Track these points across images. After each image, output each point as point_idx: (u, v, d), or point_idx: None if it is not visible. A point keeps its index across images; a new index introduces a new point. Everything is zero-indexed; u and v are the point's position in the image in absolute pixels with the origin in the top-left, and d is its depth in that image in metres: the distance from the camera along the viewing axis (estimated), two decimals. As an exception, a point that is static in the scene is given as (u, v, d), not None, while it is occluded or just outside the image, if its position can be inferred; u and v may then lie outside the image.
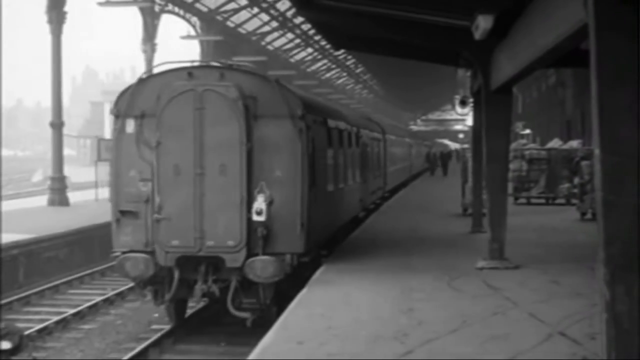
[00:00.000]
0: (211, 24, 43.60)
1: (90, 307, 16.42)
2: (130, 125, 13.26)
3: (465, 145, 45.15)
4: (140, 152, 13.12)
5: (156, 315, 16.09)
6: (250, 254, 12.75)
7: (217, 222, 12.84)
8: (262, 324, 11.60)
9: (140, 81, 13.70)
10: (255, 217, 12.71)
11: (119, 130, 13.32)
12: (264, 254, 12.72)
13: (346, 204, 19.38)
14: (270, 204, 12.85)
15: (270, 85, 13.45)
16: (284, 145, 13.18)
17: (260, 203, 12.78)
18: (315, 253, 14.81)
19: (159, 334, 13.80)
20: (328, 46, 51.06)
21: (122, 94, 13.53)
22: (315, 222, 13.99)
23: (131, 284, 16.17)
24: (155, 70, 14.60)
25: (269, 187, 12.95)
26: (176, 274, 12.92)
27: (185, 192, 12.87)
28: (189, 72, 13.43)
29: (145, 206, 13.04)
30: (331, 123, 16.83)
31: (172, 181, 12.91)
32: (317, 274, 13.70)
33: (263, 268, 12.63)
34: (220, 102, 12.91)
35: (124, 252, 13.02)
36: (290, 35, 54.06)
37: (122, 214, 13.14)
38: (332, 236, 16.99)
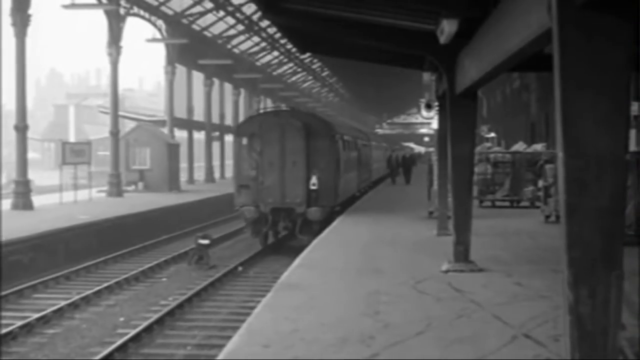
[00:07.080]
0: (177, 27, 43.50)
1: (55, 312, 16.27)
2: (245, 140, 24.59)
3: (431, 149, 45.18)
4: (250, 154, 24.33)
5: (122, 319, 16.02)
6: (309, 206, 24.02)
7: (291, 189, 24.05)
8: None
9: (250, 118, 28.00)
10: (311, 187, 24.02)
11: (239, 142, 24.85)
12: (315, 206, 24.00)
13: (352, 184, 31.44)
14: (319, 180, 23.93)
15: (317, 119, 26.78)
16: (325, 151, 24.66)
17: (314, 180, 24.01)
18: (340, 207, 26.72)
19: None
20: (294, 49, 51.17)
21: (241, 123, 26.25)
22: (339, 191, 26.09)
23: (96, 288, 18.71)
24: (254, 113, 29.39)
25: (318, 172, 24.08)
26: (270, 217, 24.18)
27: (275, 175, 24.06)
28: (274, 113, 28.77)
29: (253, 182, 24.12)
30: (345, 137, 28.70)
31: (268, 169, 24.12)
32: (283, 277, 13.72)
33: (315, 213, 23.88)
34: (293, 129, 24.24)
35: (241, 206, 24.31)
36: (256, 39, 54.04)
37: (241, 187, 24.51)
38: (345, 201, 28.19)
